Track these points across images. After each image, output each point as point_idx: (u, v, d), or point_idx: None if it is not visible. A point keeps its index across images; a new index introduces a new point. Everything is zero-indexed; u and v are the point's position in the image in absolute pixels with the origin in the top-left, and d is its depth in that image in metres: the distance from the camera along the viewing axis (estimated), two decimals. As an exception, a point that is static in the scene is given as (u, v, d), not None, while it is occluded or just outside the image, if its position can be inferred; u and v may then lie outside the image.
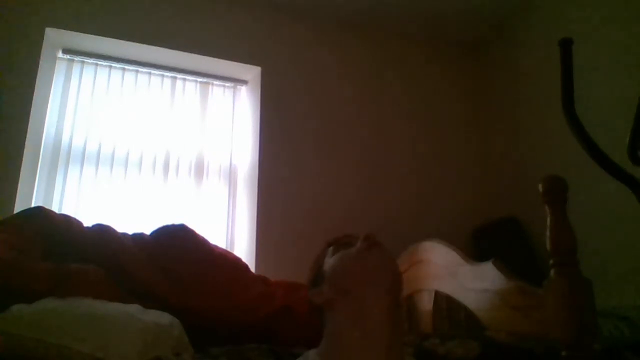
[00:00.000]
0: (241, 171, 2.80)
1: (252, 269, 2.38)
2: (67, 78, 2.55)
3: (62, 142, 2.46)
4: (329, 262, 0.99)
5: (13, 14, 2.36)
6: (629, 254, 2.09)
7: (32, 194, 2.31)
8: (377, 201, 2.76)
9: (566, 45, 1.38)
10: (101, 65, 2.63)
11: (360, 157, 2.86)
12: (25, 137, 2.26)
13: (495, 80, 3.15)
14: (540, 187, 1.11)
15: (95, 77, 2.61)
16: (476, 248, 2.69)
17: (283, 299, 1.95)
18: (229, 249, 2.51)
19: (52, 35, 2.45)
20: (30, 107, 2.29)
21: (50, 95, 2.47)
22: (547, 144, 2.62)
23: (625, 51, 2.24)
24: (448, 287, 1.88)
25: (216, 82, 2.86)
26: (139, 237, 2.01)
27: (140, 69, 2.69)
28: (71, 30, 2.46)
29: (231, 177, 2.77)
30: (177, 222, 2.15)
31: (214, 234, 2.54)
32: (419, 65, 3.19)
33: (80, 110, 2.54)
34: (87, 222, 2.01)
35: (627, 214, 2.00)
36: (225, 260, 2.12)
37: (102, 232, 1.92)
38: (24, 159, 2.24)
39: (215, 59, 2.74)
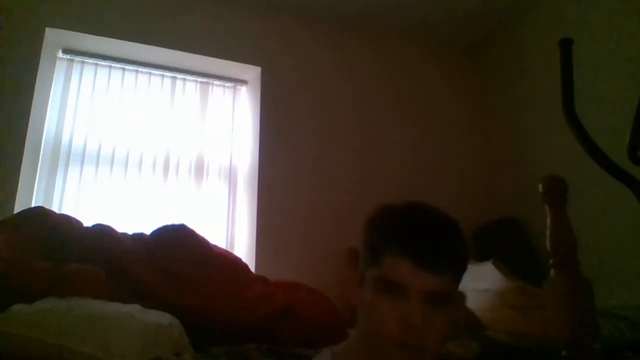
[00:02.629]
0: (241, 171, 2.80)
1: (252, 269, 2.38)
2: (67, 78, 2.55)
3: (62, 142, 2.46)
4: (366, 297, 0.77)
5: (13, 14, 2.36)
6: (629, 254, 2.09)
7: (32, 194, 2.31)
8: (377, 201, 2.75)
9: (566, 45, 1.38)
10: (101, 65, 2.62)
11: (360, 157, 2.86)
12: (25, 137, 2.26)
13: (495, 80, 3.15)
14: (540, 187, 1.11)
15: (95, 77, 2.60)
16: (476, 248, 2.69)
17: (283, 299, 1.95)
18: (229, 249, 2.51)
19: (52, 35, 2.45)
20: (30, 107, 2.29)
21: (50, 95, 2.47)
22: (547, 144, 2.62)
23: (625, 51, 2.24)
24: (448, 287, 1.88)
25: (216, 82, 2.86)
26: (138, 237, 2.01)
27: (140, 69, 2.69)
28: (71, 30, 2.46)
29: (231, 177, 2.77)
30: (177, 222, 2.15)
31: (214, 234, 2.53)
32: (419, 65, 3.19)
33: (80, 110, 2.53)
34: (87, 222, 2.01)
35: (627, 214, 2.00)
36: (225, 260, 2.12)
37: (102, 232, 1.92)
38: (24, 159, 2.24)
39: (215, 59, 2.74)
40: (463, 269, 0.79)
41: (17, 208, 2.13)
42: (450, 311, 0.76)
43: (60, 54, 2.54)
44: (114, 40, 2.54)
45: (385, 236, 0.79)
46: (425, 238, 0.76)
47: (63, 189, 2.41)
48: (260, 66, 2.81)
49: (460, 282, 0.79)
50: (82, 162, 2.47)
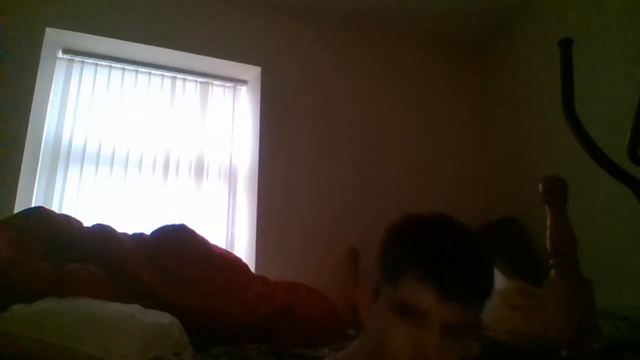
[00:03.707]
0: (241, 171, 2.80)
1: (252, 269, 2.38)
2: (67, 78, 2.55)
3: (62, 142, 2.46)
4: (379, 315, 0.72)
5: (13, 14, 2.36)
6: (629, 254, 2.09)
7: (32, 194, 2.31)
8: (377, 201, 2.76)
9: (566, 45, 1.38)
10: (101, 65, 2.62)
11: (360, 157, 2.86)
12: (25, 137, 2.26)
13: (495, 80, 3.15)
14: (540, 187, 1.11)
15: (95, 77, 2.60)
16: (476, 248, 2.69)
17: (283, 299, 1.95)
18: (229, 249, 2.51)
19: (52, 35, 2.45)
20: (30, 107, 2.29)
21: (50, 95, 2.47)
22: (547, 144, 2.62)
23: (625, 51, 2.24)
24: (448, 287, 1.87)
25: (216, 82, 2.86)
26: (138, 237, 2.01)
27: (140, 69, 2.69)
28: (71, 30, 2.46)
29: (231, 177, 2.77)
30: (177, 222, 2.16)
31: (214, 234, 2.53)
32: (419, 65, 3.18)
33: (80, 110, 2.53)
34: (87, 222, 2.01)
35: (627, 214, 2.00)
36: (225, 261, 2.12)
37: (102, 232, 1.92)
38: (24, 159, 2.23)
39: (215, 59, 2.74)
40: (488, 296, 0.71)
41: (17, 208, 2.13)
42: (467, 343, 0.69)
43: (60, 54, 2.54)
44: (114, 40, 2.54)
45: (407, 256, 0.70)
46: (453, 263, 0.67)
47: (63, 189, 2.41)
48: (260, 66, 2.81)
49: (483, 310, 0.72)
50: (82, 162, 2.47)
